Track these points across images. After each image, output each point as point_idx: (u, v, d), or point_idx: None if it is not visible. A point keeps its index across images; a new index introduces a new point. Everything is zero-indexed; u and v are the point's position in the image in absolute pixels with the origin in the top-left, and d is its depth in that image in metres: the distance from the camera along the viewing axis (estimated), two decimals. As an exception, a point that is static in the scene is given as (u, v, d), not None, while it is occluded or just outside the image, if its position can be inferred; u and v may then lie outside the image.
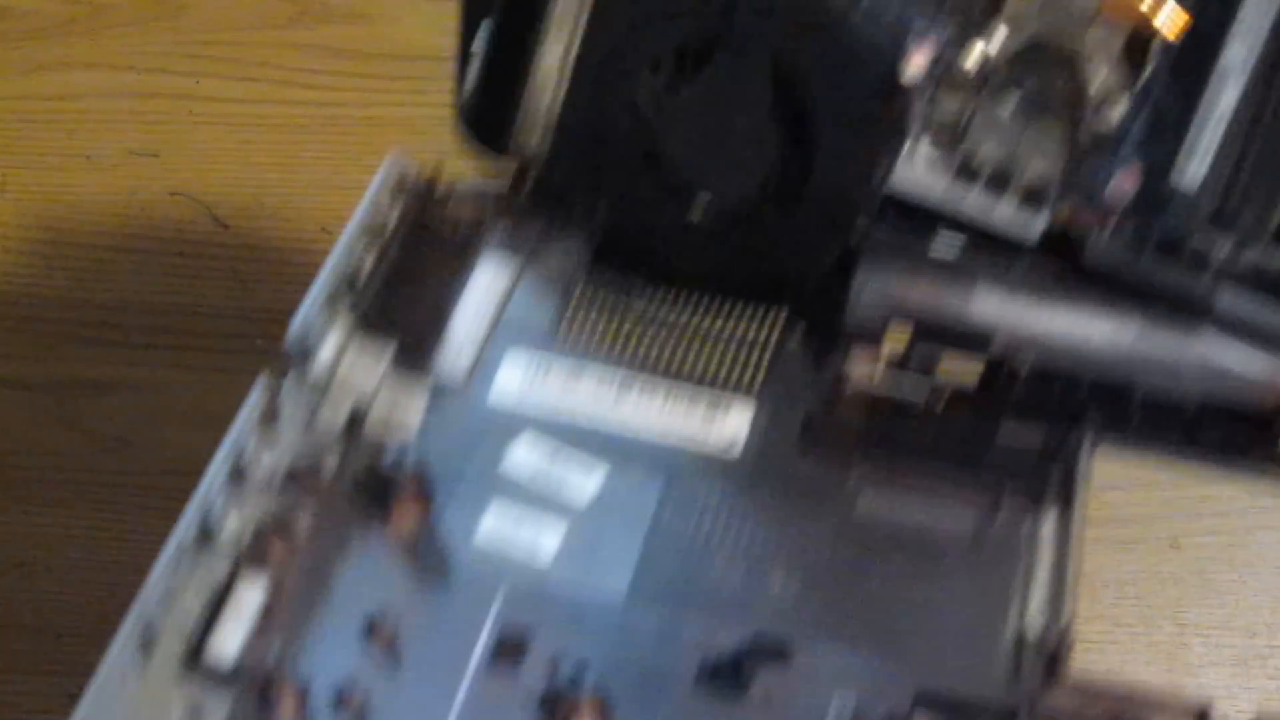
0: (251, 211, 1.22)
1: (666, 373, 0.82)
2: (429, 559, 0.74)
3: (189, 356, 1.15)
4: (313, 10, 1.30)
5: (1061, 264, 0.82)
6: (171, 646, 0.68)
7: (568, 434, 0.79)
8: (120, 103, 1.25)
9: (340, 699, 0.68)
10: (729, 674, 0.70)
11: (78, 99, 1.25)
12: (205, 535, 0.70)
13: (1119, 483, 1.16)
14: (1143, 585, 1.14)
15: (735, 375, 0.83)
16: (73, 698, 0.98)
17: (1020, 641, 0.72)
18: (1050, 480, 0.78)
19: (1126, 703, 0.69)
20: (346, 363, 0.78)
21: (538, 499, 0.77)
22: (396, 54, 1.19)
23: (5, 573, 0.99)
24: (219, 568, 0.71)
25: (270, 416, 0.74)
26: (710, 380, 0.82)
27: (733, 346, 0.83)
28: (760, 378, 0.82)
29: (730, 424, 0.80)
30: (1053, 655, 0.71)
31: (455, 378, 0.80)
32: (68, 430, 1.09)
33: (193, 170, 1.22)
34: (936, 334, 0.82)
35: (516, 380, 0.81)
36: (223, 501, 0.72)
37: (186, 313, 1.18)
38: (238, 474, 0.72)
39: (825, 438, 0.80)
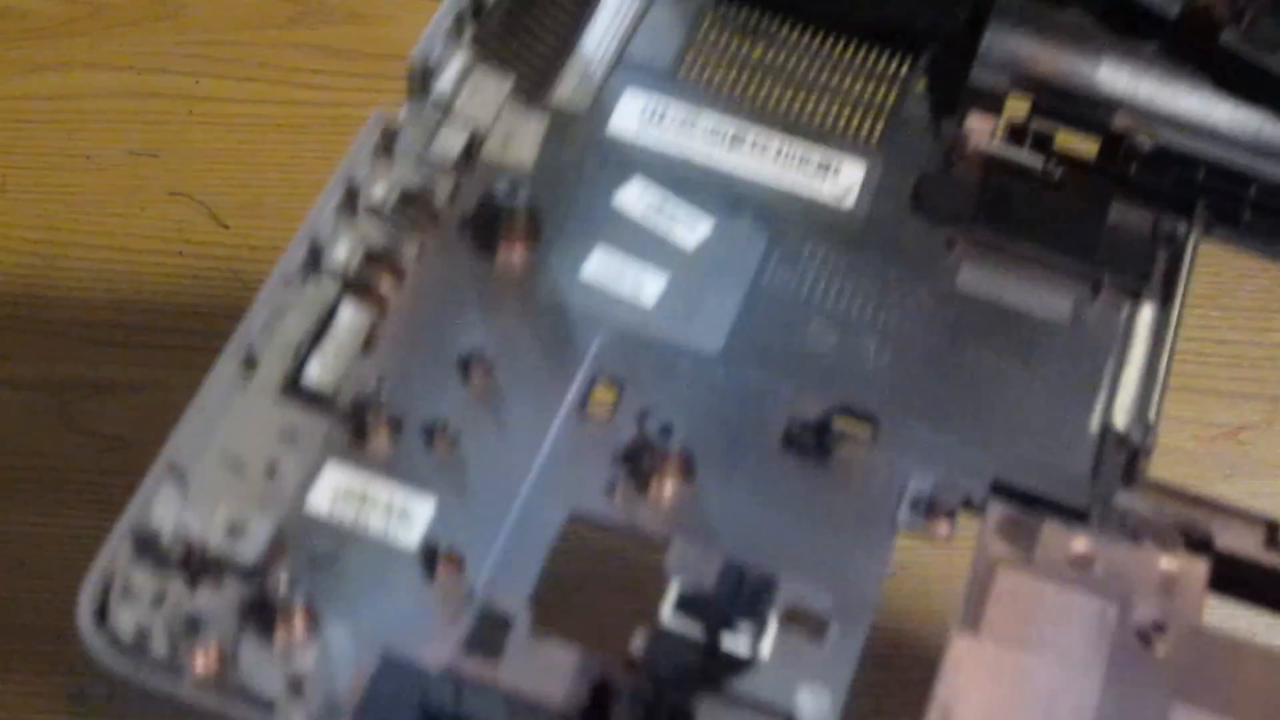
0: (251, 211, 1.21)
1: (783, 124, 0.81)
2: (531, 298, 0.75)
3: (189, 356, 1.15)
4: (313, 10, 1.32)
5: (1194, 48, 0.81)
6: (272, 369, 0.68)
7: (678, 180, 0.77)
8: (120, 103, 1.23)
9: (432, 432, 0.68)
10: (812, 440, 0.72)
11: (78, 99, 1.23)
12: (313, 260, 0.72)
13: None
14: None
15: (852, 130, 0.81)
16: (72, 697, 0.98)
17: (1103, 437, 0.73)
18: (1154, 270, 0.78)
19: (1199, 510, 0.70)
20: (466, 92, 0.78)
21: (643, 246, 0.75)
22: (396, 54, 1.15)
23: (5, 573, 0.99)
24: (324, 294, 0.70)
25: (385, 145, 0.75)
26: (826, 134, 0.81)
27: (851, 102, 0.82)
28: (877, 135, 0.82)
29: (843, 179, 0.80)
30: (1134, 454, 0.72)
31: (573, 112, 0.80)
32: (68, 430, 1.08)
33: (193, 170, 1.20)
34: (1060, 102, 0.81)
35: (634, 120, 0.80)
36: (332, 227, 0.71)
37: (186, 313, 1.20)
38: (349, 200, 0.73)
39: (937, 199, 0.79)
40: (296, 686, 0.62)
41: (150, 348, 1.17)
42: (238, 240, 1.21)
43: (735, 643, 0.62)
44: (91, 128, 1.21)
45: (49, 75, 1.23)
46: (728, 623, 0.61)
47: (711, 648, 0.61)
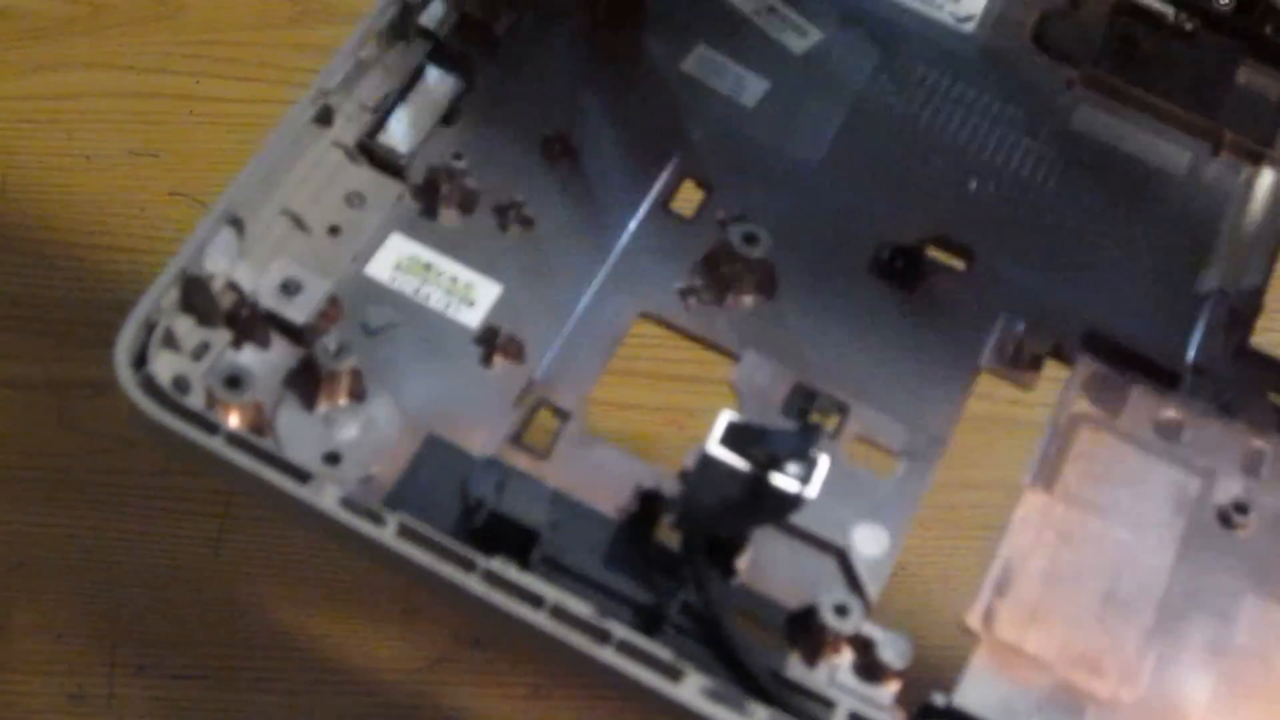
0: None
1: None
2: (626, 82, 0.71)
3: None
4: (313, 10, 1.27)
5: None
6: (348, 127, 0.64)
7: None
8: (120, 103, 1.18)
9: (506, 212, 0.64)
10: (903, 266, 0.68)
11: (78, 99, 1.19)
12: (402, 19, 0.67)
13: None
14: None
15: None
16: (73, 697, 0.95)
17: (1208, 298, 0.69)
18: (1279, 137, 0.74)
19: (1301, 388, 0.66)
20: None
21: (749, 46, 0.71)
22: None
23: (5, 573, 0.98)
24: (411, 56, 0.66)
25: None
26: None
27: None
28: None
29: (965, 4, 0.76)
30: (1236, 318, 0.68)
31: None
32: (68, 430, 1.05)
33: (193, 170, 1.18)
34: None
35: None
36: None
37: None
38: None
39: (1061, 35, 0.75)
40: (334, 457, 0.59)
41: (150, 347, 1.14)
42: (238, 240, 1.19)
43: (784, 481, 0.58)
44: (91, 128, 1.19)
45: (49, 75, 1.21)
46: (777, 463, 0.58)
47: (758, 482, 0.58)
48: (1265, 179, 0.71)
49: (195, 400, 0.58)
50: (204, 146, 1.17)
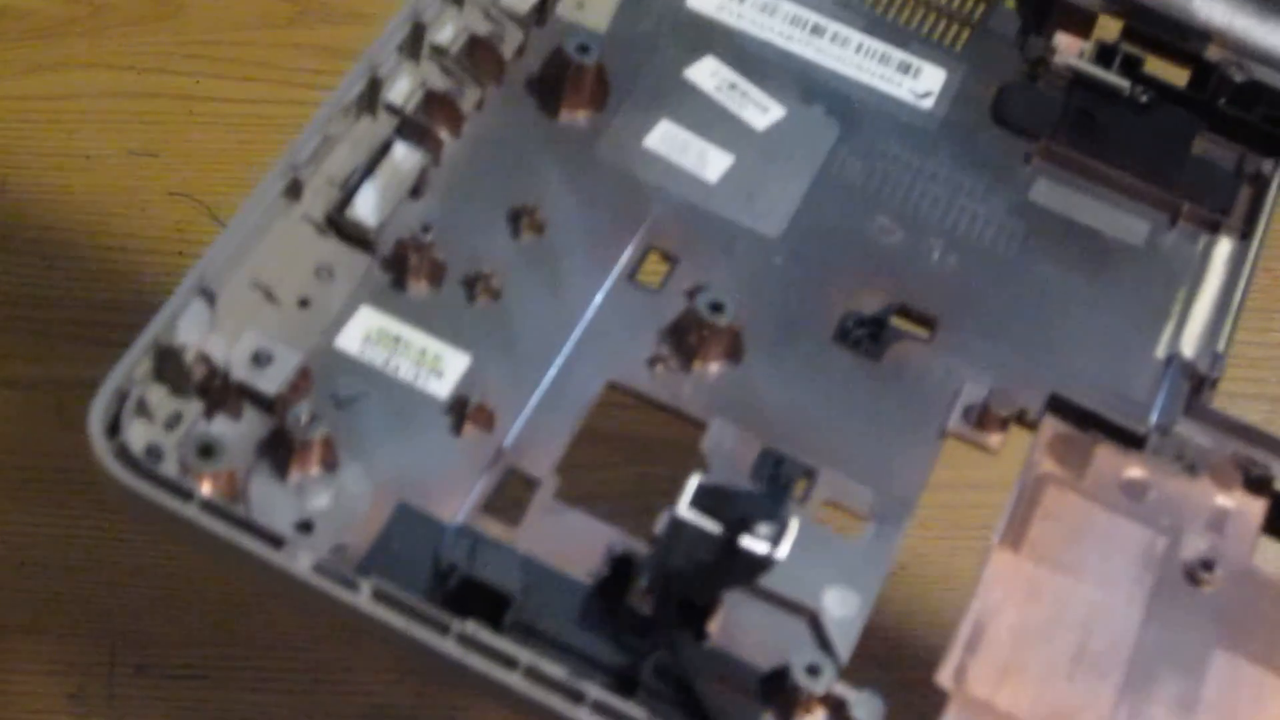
0: None
1: (867, 20, 0.78)
2: (591, 160, 0.70)
3: None
4: (313, 10, 1.29)
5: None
6: (317, 200, 0.65)
7: (754, 64, 0.74)
8: (120, 103, 1.20)
9: (474, 283, 0.65)
10: (867, 335, 0.69)
11: (78, 99, 1.21)
12: (370, 93, 0.69)
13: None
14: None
15: (937, 34, 0.78)
16: (72, 697, 0.96)
17: (1169, 363, 0.70)
18: (1236, 205, 0.75)
19: (1260, 447, 0.67)
20: (545, -56, 0.75)
21: (711, 123, 0.72)
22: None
23: (5, 573, 0.98)
24: (379, 131, 0.67)
25: None
26: (909, 36, 0.78)
27: (937, 8, 0.79)
28: (961, 43, 0.79)
29: (924, 81, 0.77)
30: (1199, 383, 0.69)
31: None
32: (68, 430, 1.05)
33: (193, 170, 1.18)
34: (1153, 26, 0.78)
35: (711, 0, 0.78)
36: (394, 63, 0.68)
37: None
38: (415, 38, 0.70)
39: (1019, 110, 0.76)
40: (306, 525, 0.59)
41: (150, 348, 1.15)
42: (238, 240, 1.19)
43: (754, 543, 0.58)
44: (91, 128, 1.20)
45: (49, 75, 1.22)
46: (746, 525, 0.58)
47: (729, 544, 0.58)
48: (1222, 247, 0.72)
49: (169, 469, 0.58)
50: (204, 146, 1.18)
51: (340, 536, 0.59)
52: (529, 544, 0.60)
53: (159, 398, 0.59)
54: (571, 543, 0.61)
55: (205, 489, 0.58)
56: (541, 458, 0.62)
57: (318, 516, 0.59)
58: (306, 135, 0.64)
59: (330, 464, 0.60)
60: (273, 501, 0.59)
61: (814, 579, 0.61)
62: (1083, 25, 0.77)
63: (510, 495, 0.62)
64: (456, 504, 0.61)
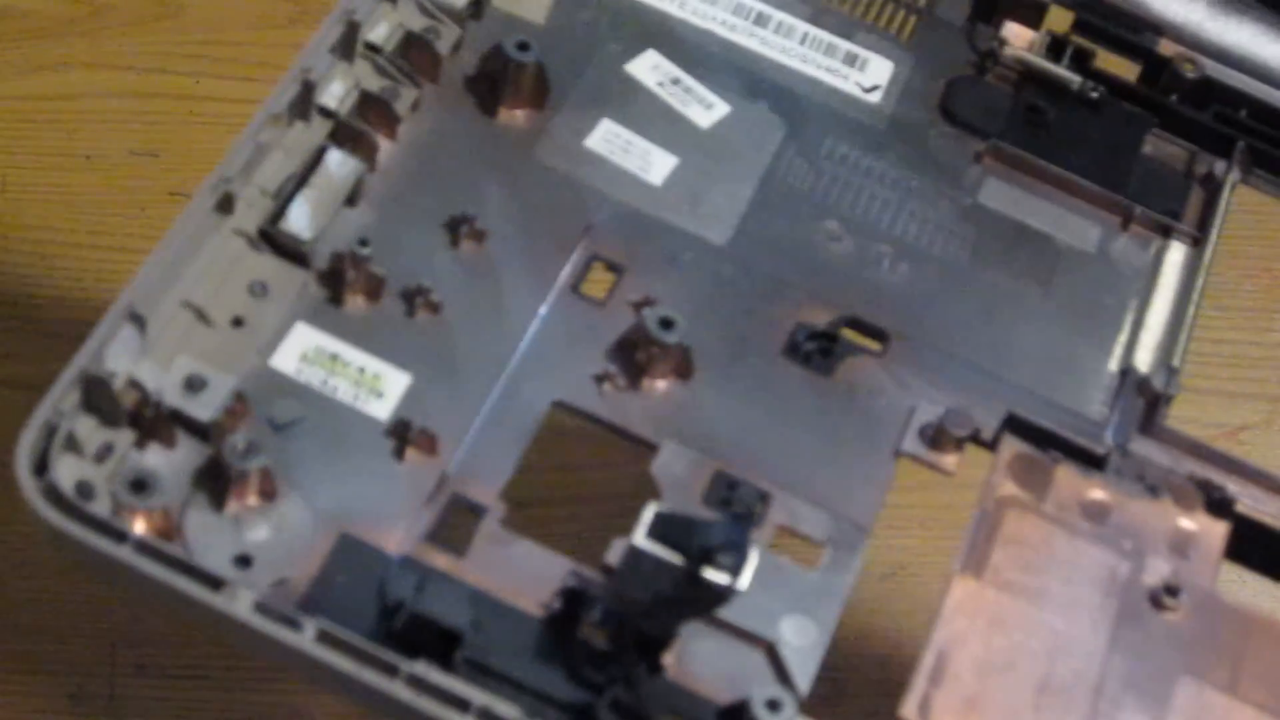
0: None
1: (812, 7, 0.76)
2: (531, 163, 0.68)
3: None
4: (313, 10, 1.27)
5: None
6: (249, 214, 0.62)
7: (696, 57, 0.72)
8: (120, 103, 1.18)
9: (414, 298, 0.62)
10: (818, 351, 0.67)
11: (78, 99, 1.19)
12: (303, 99, 0.65)
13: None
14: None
15: (883, 22, 0.76)
16: (72, 697, 0.94)
17: (1123, 378, 0.68)
18: (1187, 209, 0.74)
19: (1218, 467, 0.66)
20: (480, -69, 0.72)
21: (654, 121, 0.69)
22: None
23: (6, 573, 0.97)
24: (312, 137, 0.64)
25: None
26: (855, 25, 0.76)
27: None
28: (908, 31, 0.77)
29: (870, 74, 0.75)
30: (1154, 400, 0.67)
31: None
32: None
33: (193, 170, 1.18)
34: (1105, 19, 0.76)
35: (654, -15, 0.75)
36: (327, 64, 0.65)
37: None
38: (348, 39, 0.67)
39: (968, 106, 0.74)
40: (245, 560, 0.56)
41: (150, 348, 1.13)
42: (238, 241, 1.18)
43: (715, 574, 0.56)
44: (91, 128, 1.18)
45: (49, 75, 1.20)
46: (706, 556, 0.56)
47: (689, 575, 0.56)
48: (1175, 253, 0.71)
49: (100, 506, 0.55)
50: (204, 146, 1.17)
51: (282, 570, 0.57)
52: (477, 576, 0.58)
53: (89, 429, 0.56)
54: (521, 575, 0.59)
55: (139, 526, 0.55)
56: (487, 484, 0.60)
57: (257, 550, 0.57)
58: (238, 145, 0.61)
59: (269, 494, 0.58)
60: (210, 535, 0.57)
61: (770, 609, 0.59)
62: (1032, 16, 0.75)
63: (456, 524, 0.59)
64: (401, 534, 0.58)
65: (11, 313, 1.07)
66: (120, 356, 0.57)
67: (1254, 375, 1.16)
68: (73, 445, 0.56)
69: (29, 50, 1.20)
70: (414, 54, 0.67)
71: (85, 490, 0.56)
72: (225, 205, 0.61)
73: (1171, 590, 0.61)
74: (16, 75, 1.18)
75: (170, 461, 0.58)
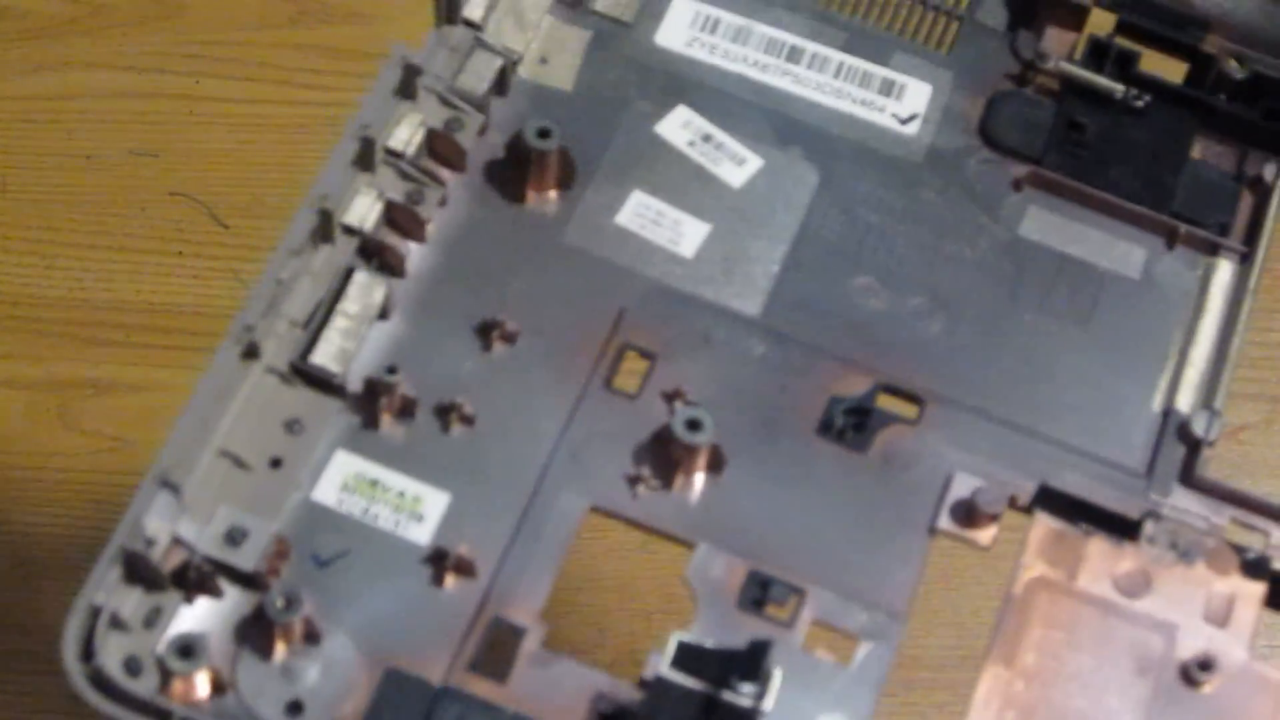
0: (251, 211, 1.19)
1: (846, 31, 0.75)
2: (560, 249, 0.68)
3: (189, 357, 1.13)
4: (313, 10, 1.28)
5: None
6: (278, 351, 0.63)
7: (727, 106, 0.72)
8: (120, 103, 1.21)
9: (447, 412, 0.64)
10: (852, 426, 0.67)
11: (78, 99, 1.22)
12: (324, 226, 0.66)
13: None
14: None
15: (922, 35, 0.75)
16: (72, 697, 0.99)
17: (1165, 421, 0.68)
18: (1235, 220, 0.72)
19: (1259, 514, 0.66)
20: (499, 10, 0.71)
21: (685, 184, 0.70)
22: (396, 55, 1.14)
23: (5, 572, 0.98)
24: (337, 258, 0.65)
25: (406, 85, 0.69)
26: (893, 43, 0.75)
27: (921, 9, 0.76)
28: (949, 43, 0.76)
29: (908, 102, 0.74)
30: (1194, 446, 0.67)
31: (619, 18, 0.73)
32: (68, 430, 1.07)
33: (193, 170, 1.19)
34: (1148, 17, 0.75)
35: (683, 30, 0.74)
36: (347, 184, 0.65)
37: (187, 313, 1.17)
38: (365, 152, 0.67)
39: (1008, 126, 0.73)
40: (297, 706, 0.59)
41: (150, 348, 1.16)
42: (238, 240, 1.20)
43: (738, 698, 0.58)
44: (91, 128, 1.20)
45: (49, 75, 1.21)
46: (728, 682, 0.58)
47: (714, 701, 0.58)
48: (1222, 273, 0.70)
49: (148, 679, 0.58)
50: (204, 146, 1.19)
51: (331, 712, 0.60)
52: (518, 701, 0.61)
53: (134, 602, 0.59)
54: (561, 695, 0.61)
55: (191, 690, 0.58)
56: (527, 603, 0.62)
57: (307, 695, 0.60)
58: (257, 291, 0.63)
59: (314, 637, 0.60)
60: (261, 685, 0.60)
61: (805, 708, 0.61)
62: (1074, 19, 0.74)
63: (499, 650, 0.62)
64: (445, 662, 0.61)
65: (11, 313, 1.10)
66: (158, 522, 0.59)
67: (1254, 375, 1.15)
68: (118, 623, 0.58)
69: (29, 50, 1.21)
70: (438, 149, 0.68)
71: (133, 665, 0.58)
72: (251, 352, 0.63)
73: (1204, 665, 0.61)
74: (16, 75, 1.20)
75: (219, 611, 0.60)
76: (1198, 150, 0.72)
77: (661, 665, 0.58)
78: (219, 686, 0.60)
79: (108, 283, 1.14)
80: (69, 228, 1.15)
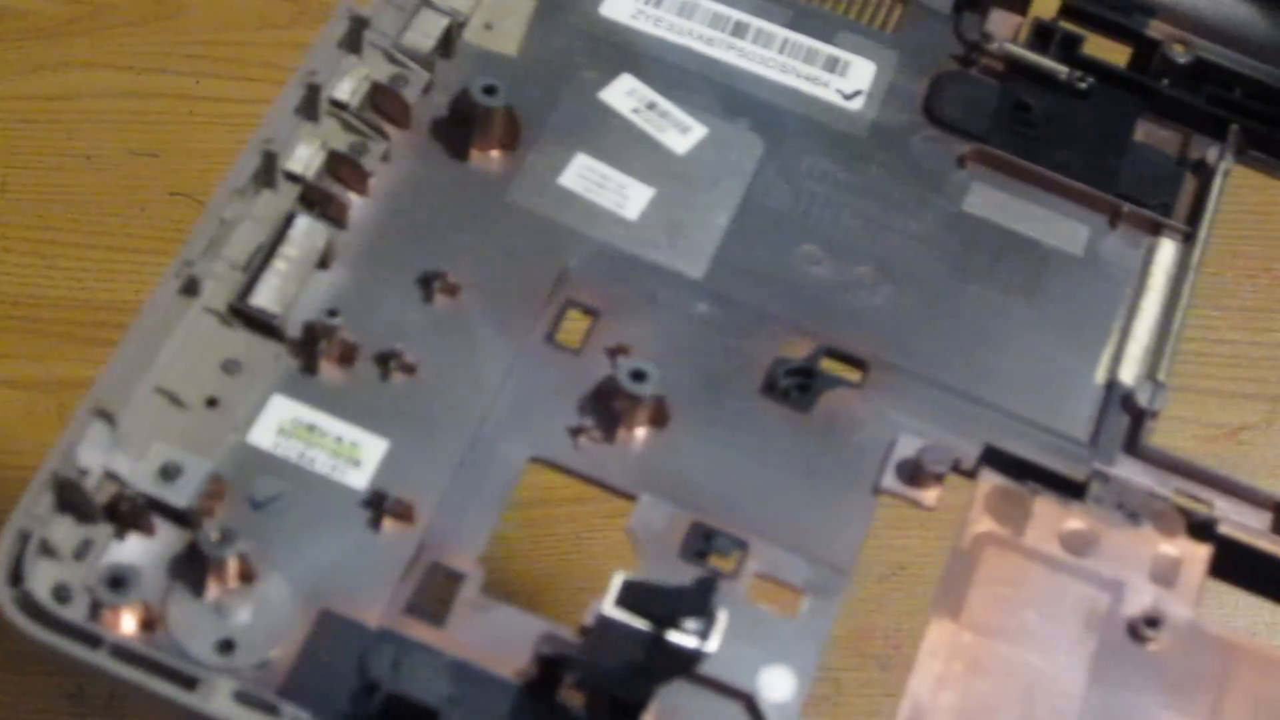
0: None
1: (793, 9, 0.76)
2: (505, 207, 0.67)
3: None
4: (313, 10, 1.27)
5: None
6: (218, 291, 0.62)
7: (672, 76, 0.72)
8: (120, 103, 1.20)
9: (388, 361, 0.63)
10: (796, 386, 0.67)
11: (78, 99, 1.20)
12: (267, 169, 0.64)
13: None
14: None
15: (867, 17, 0.76)
16: (72, 698, 0.96)
17: (1108, 393, 0.68)
18: (1178, 201, 0.73)
19: (1202, 484, 0.66)
20: (446, -30, 0.71)
21: (630, 150, 0.69)
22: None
23: None
24: (280, 204, 0.64)
25: (353, 38, 0.68)
26: (838, 22, 0.75)
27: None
28: (893, 23, 0.76)
29: (852, 78, 0.74)
30: (1139, 417, 0.67)
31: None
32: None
33: (193, 170, 1.18)
34: (1092, 1, 0.75)
35: (627, 5, 0.74)
36: (290, 130, 0.65)
37: None
38: (310, 100, 0.66)
39: (953, 104, 0.73)
40: (228, 644, 0.58)
41: (150, 348, 1.15)
42: (237, 240, 1.19)
43: (683, 638, 0.57)
44: (91, 128, 1.19)
45: (49, 75, 1.21)
46: (673, 621, 0.57)
47: (658, 641, 0.57)
48: (1164, 252, 0.70)
49: (77, 609, 0.57)
50: (204, 146, 1.19)
51: (264, 651, 0.58)
52: (455, 645, 0.59)
53: (65, 531, 0.57)
54: (500, 641, 0.59)
55: (122, 621, 0.57)
56: (466, 549, 0.61)
57: (239, 633, 0.58)
58: (202, 226, 0.62)
59: (248, 576, 0.59)
60: (193, 622, 0.58)
61: (749, 661, 0.60)
62: (1019, 2, 0.74)
63: (436, 591, 0.60)
64: (381, 606, 0.59)
65: (11, 313, 1.09)
66: (92, 453, 0.58)
67: (1254, 375, 1.15)
68: (48, 550, 0.57)
69: (29, 50, 1.20)
70: (382, 103, 0.67)
71: (63, 593, 0.57)
72: (191, 288, 0.61)
73: (1151, 621, 0.61)
74: (16, 75, 1.19)
75: (151, 549, 0.59)
76: (1142, 133, 0.72)
77: (605, 604, 0.57)
78: (149, 622, 0.58)
79: (108, 283, 1.13)
80: (69, 228, 1.14)
